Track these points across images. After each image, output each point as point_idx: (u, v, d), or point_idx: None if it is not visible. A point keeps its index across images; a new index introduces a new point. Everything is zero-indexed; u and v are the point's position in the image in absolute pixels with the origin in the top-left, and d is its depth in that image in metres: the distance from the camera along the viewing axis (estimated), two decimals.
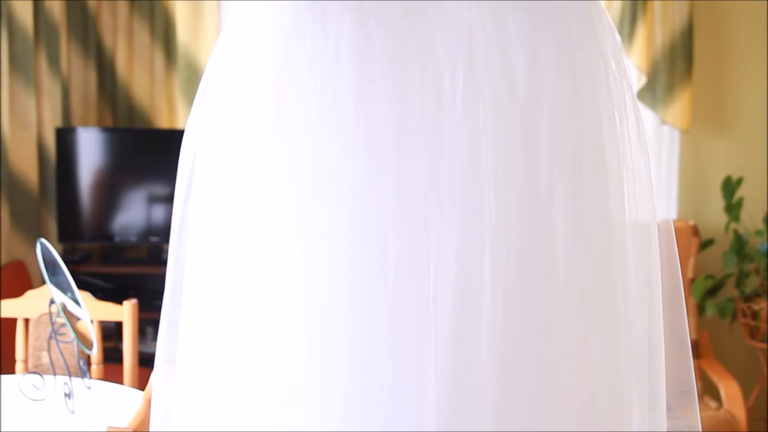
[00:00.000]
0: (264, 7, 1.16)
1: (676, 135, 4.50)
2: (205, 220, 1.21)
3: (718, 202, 4.25)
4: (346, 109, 1.13)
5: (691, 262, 4.12)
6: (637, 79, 4.35)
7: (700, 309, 4.07)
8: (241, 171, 1.17)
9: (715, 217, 4.38)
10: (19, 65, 4.05)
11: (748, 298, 4.02)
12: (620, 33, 4.26)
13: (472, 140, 1.15)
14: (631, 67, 4.30)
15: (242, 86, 1.18)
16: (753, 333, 4.03)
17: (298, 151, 1.14)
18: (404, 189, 1.13)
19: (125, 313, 2.80)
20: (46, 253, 2.43)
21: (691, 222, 4.23)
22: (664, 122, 4.38)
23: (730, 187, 4.09)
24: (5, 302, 2.82)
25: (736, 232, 4.06)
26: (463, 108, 1.15)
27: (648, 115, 4.38)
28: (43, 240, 2.45)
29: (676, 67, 4.31)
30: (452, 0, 1.17)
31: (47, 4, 4.19)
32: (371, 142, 1.13)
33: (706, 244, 4.17)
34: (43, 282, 2.56)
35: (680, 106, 4.33)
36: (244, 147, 1.17)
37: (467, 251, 1.14)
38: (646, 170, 1.28)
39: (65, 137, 4.25)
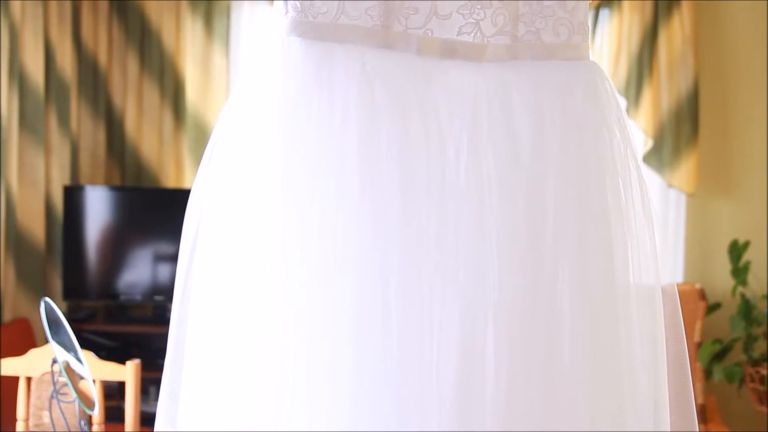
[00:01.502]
0: (271, 75, 1.17)
1: (683, 198, 4.50)
2: (209, 285, 1.20)
3: (724, 265, 4.24)
4: (351, 179, 1.14)
5: (698, 325, 4.10)
6: (643, 142, 4.36)
7: (708, 373, 4.03)
8: (246, 236, 1.17)
9: (721, 280, 4.36)
10: (29, 124, 4.08)
11: (756, 363, 3.98)
12: (626, 96, 4.29)
13: (476, 211, 1.15)
14: (638, 131, 4.33)
15: (248, 154, 1.18)
16: (761, 398, 3.98)
17: (304, 221, 1.14)
18: (408, 260, 1.13)
19: (128, 373, 2.78)
20: (50, 312, 2.43)
21: (698, 285, 4.21)
22: (670, 185, 4.39)
23: (736, 250, 4.08)
24: (7, 360, 2.81)
25: (743, 295, 4.03)
26: (468, 179, 1.15)
27: (654, 179, 4.38)
28: (47, 299, 2.45)
29: (682, 130, 4.32)
30: (457, 68, 1.18)
31: (59, 63, 4.24)
32: (376, 213, 1.13)
33: (713, 308, 4.15)
34: (47, 340, 2.55)
35: (686, 169, 4.34)
36: (249, 214, 1.17)
37: (470, 321, 1.14)
38: (651, 237, 1.28)
39: (73, 195, 4.27)
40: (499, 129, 1.18)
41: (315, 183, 1.14)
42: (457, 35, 1.22)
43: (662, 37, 4.31)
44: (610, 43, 4.38)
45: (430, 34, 1.21)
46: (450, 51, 1.21)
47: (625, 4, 4.38)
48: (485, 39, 1.23)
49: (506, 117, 1.18)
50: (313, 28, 1.15)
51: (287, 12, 1.17)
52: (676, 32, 4.31)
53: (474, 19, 1.22)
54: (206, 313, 1.21)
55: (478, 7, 1.22)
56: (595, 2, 4.37)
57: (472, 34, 1.22)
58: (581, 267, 1.20)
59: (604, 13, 4.46)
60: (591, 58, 1.30)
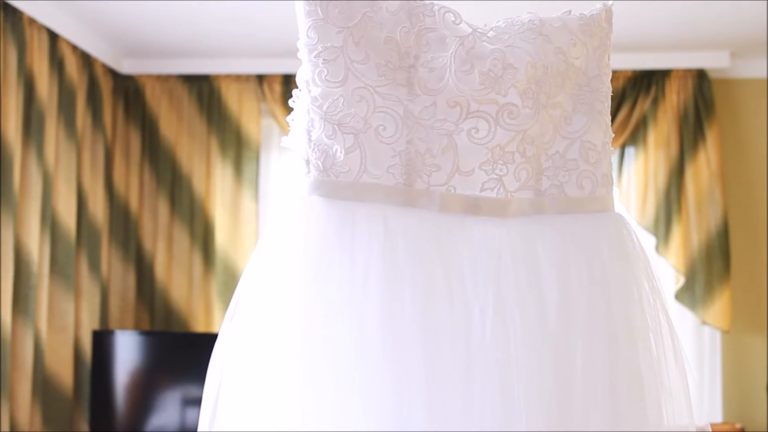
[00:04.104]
0: (293, 237, 1.16)
1: (717, 336, 4.42)
2: None
3: (764, 403, 4.13)
4: (373, 341, 1.11)
5: None
6: (674, 279, 4.32)
7: None
8: (267, 398, 1.15)
9: (762, 418, 4.24)
10: (60, 268, 4.11)
11: None
12: (656, 234, 4.27)
13: (503, 374, 1.12)
14: (668, 268, 4.29)
15: (270, 316, 1.17)
16: None
17: (325, 382, 1.12)
18: (433, 424, 1.10)
19: None
20: None
21: (738, 425, 4.10)
22: (704, 323, 4.32)
23: None
24: None
25: None
26: (494, 340, 1.13)
27: (687, 317, 4.32)
28: None
29: (713, 266, 4.28)
30: (481, 224, 1.18)
31: (91, 208, 4.30)
32: (399, 375, 1.11)
33: None
34: None
35: (720, 306, 4.27)
36: (269, 376, 1.15)
37: None
38: (685, 389, 1.24)
39: (102, 340, 4.26)
40: (525, 288, 1.16)
41: (335, 346, 1.12)
42: (480, 191, 1.21)
43: (689, 172, 4.32)
44: (637, 180, 4.40)
45: (453, 191, 1.20)
46: (473, 207, 1.21)
47: (651, 142, 4.41)
48: (508, 194, 1.23)
49: (532, 275, 1.17)
50: (335, 188, 1.15)
51: (309, 172, 1.17)
52: (703, 168, 4.32)
53: (497, 175, 1.22)
54: None
55: (501, 162, 1.22)
56: (621, 140, 4.41)
57: (495, 189, 1.22)
58: (612, 424, 1.16)
59: (630, 151, 4.49)
60: (617, 206, 1.30)
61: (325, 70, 1.13)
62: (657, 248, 4.24)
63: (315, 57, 1.14)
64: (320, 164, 1.15)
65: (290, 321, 1.15)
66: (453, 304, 1.13)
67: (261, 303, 1.18)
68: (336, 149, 1.16)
